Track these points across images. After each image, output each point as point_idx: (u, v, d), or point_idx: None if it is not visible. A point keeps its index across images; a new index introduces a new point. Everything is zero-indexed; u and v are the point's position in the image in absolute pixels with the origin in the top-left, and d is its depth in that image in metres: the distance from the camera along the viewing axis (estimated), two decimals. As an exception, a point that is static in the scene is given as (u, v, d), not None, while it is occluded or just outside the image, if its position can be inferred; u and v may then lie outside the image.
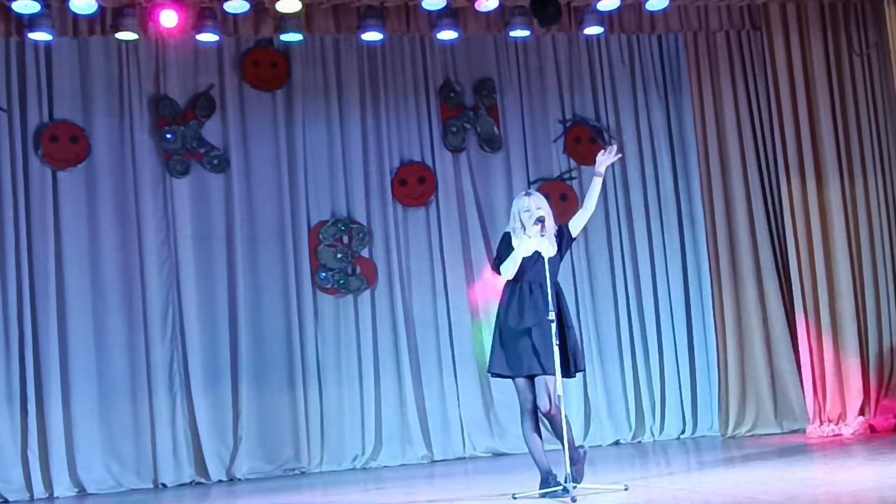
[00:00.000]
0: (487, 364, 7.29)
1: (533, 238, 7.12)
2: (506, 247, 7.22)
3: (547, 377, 6.96)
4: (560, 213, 10.13)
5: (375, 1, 9.20)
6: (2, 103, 9.52)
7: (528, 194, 7.32)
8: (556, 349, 6.85)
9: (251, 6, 8.90)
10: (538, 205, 7.20)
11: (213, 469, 9.59)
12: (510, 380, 7.21)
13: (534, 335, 6.98)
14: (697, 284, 10.61)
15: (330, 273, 10.04)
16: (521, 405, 7.15)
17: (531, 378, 7.05)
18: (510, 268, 7.13)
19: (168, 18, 8.79)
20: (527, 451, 7.27)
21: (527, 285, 7.14)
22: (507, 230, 7.33)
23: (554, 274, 7.08)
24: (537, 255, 7.09)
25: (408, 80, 10.41)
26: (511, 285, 7.19)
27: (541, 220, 7.10)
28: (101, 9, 8.80)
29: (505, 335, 7.12)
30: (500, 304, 7.25)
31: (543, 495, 6.99)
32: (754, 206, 10.30)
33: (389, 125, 10.34)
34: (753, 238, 10.27)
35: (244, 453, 9.67)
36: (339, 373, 9.97)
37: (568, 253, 7.46)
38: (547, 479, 7.08)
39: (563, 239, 7.27)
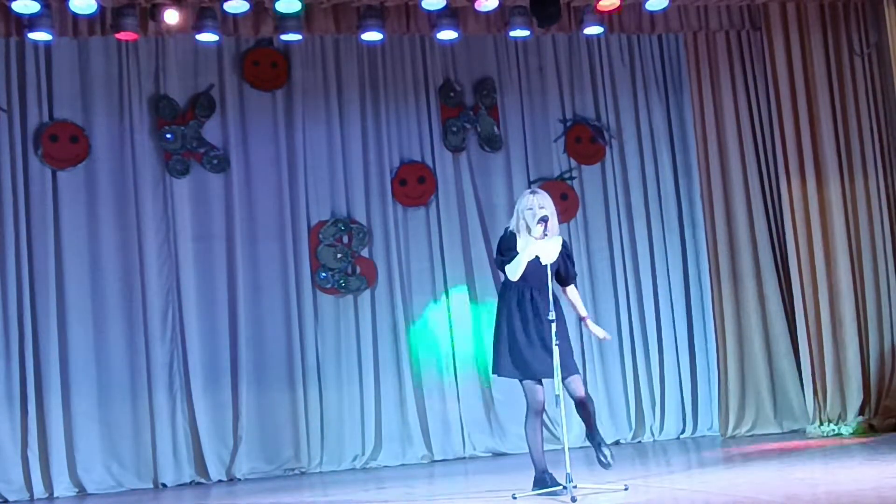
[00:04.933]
0: (496, 367, 7.28)
1: (537, 241, 7.10)
2: (508, 245, 7.21)
3: (575, 376, 7.14)
4: (561, 213, 10.16)
5: (375, 1, 9.20)
6: (2, 103, 9.52)
7: (533, 193, 7.29)
8: (555, 349, 6.88)
9: (251, 6, 8.90)
10: (542, 204, 7.17)
11: (213, 469, 9.59)
12: (514, 379, 7.24)
13: (544, 339, 7.01)
14: (697, 284, 10.61)
15: (330, 273, 10.04)
16: (529, 404, 7.16)
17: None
18: (515, 270, 7.12)
19: (170, 16, 8.80)
20: (527, 451, 7.28)
21: (528, 290, 7.15)
22: (508, 227, 7.31)
23: (552, 278, 7.10)
24: (537, 259, 7.09)
25: (408, 80, 10.41)
26: (513, 288, 7.19)
27: (544, 220, 7.09)
28: (101, 9, 8.80)
29: (514, 340, 7.12)
30: (501, 308, 7.27)
31: (545, 494, 7.00)
32: (754, 206, 10.30)
33: (389, 125, 10.34)
34: (753, 238, 10.27)
35: (244, 453, 9.67)
36: (339, 373, 9.97)
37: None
38: (543, 479, 7.10)
39: (566, 258, 7.28)
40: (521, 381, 7.17)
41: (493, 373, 7.36)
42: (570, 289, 7.41)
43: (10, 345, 9.31)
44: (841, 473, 7.34)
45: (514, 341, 7.12)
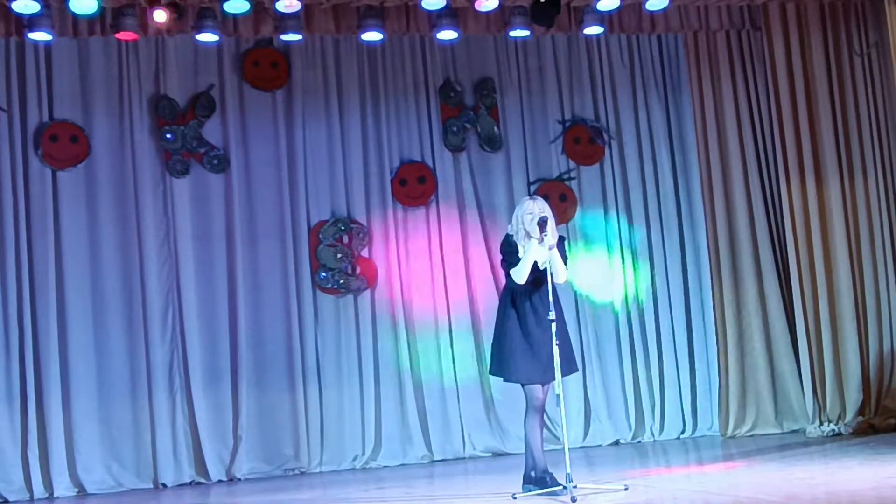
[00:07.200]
0: (495, 369, 7.32)
1: (536, 244, 7.10)
2: (512, 250, 7.24)
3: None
4: (560, 213, 10.24)
5: (375, 1, 9.20)
6: (2, 103, 9.51)
7: (532, 199, 7.35)
8: (555, 349, 6.89)
9: (251, 6, 8.90)
10: (541, 208, 7.25)
11: (213, 469, 9.58)
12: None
13: (546, 342, 7.02)
14: (697, 284, 10.60)
15: (330, 273, 10.04)
16: (528, 402, 7.19)
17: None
18: (521, 274, 7.13)
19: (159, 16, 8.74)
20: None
21: (527, 292, 7.17)
22: (509, 233, 7.34)
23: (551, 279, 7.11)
24: (536, 262, 7.12)
25: (408, 80, 10.41)
26: (512, 292, 7.22)
27: (543, 221, 7.11)
28: (101, 9, 8.80)
29: (514, 343, 7.15)
30: (501, 311, 7.31)
31: (545, 494, 7.01)
32: (754, 206, 10.30)
33: (389, 125, 10.34)
34: (753, 238, 10.27)
35: (244, 453, 9.67)
36: (339, 373, 9.97)
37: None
38: (544, 479, 7.12)
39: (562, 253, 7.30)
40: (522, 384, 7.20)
41: (491, 373, 7.41)
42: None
43: (10, 345, 9.30)
44: (841, 473, 7.34)
45: (514, 344, 7.15)
